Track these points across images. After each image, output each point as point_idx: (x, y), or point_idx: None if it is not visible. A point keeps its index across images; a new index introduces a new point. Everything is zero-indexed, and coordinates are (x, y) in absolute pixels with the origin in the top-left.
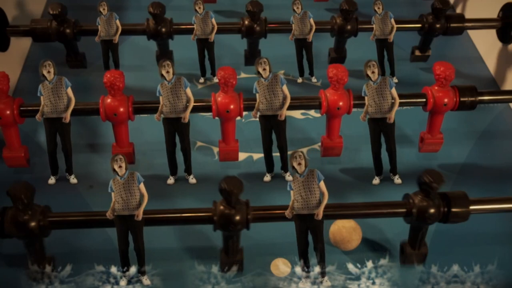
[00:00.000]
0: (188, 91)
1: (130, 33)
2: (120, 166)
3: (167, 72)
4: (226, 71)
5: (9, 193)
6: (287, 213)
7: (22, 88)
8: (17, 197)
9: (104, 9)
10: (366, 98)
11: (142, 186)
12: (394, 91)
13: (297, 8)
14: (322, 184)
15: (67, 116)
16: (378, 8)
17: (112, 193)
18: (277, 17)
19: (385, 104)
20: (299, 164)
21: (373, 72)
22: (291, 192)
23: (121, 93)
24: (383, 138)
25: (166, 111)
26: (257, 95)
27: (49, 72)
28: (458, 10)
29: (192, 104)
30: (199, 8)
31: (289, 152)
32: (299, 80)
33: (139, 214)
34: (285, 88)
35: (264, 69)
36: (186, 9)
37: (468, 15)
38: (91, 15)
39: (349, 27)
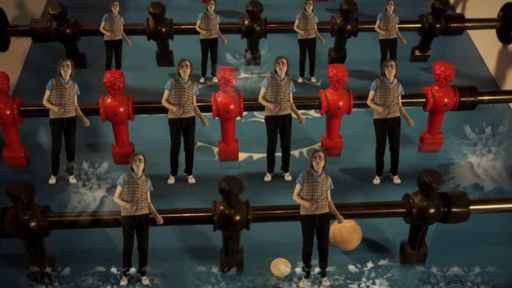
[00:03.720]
0: (194, 98)
1: (130, 33)
2: (138, 166)
3: (184, 72)
4: (226, 71)
5: (9, 193)
6: (310, 205)
7: (22, 88)
8: (17, 197)
9: (115, 9)
10: (371, 92)
11: (149, 194)
12: (400, 98)
13: (309, 8)
14: (329, 192)
15: (85, 120)
16: (390, 8)
17: (120, 187)
18: (277, 17)
19: (393, 107)
20: (318, 164)
21: (390, 72)
22: (298, 185)
23: (121, 93)
24: (388, 138)
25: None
26: (262, 89)
27: (66, 72)
28: (458, 10)
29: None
30: (211, 8)
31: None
32: (299, 80)
33: (160, 218)
34: (291, 95)
35: (281, 69)
36: (186, 9)
37: (468, 15)
38: (91, 15)
39: (349, 27)
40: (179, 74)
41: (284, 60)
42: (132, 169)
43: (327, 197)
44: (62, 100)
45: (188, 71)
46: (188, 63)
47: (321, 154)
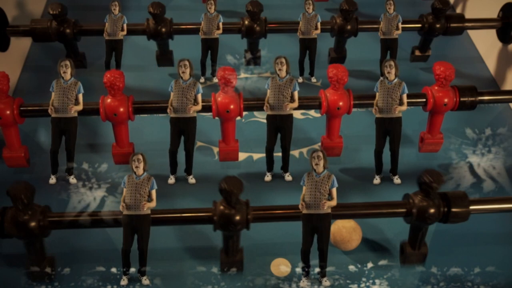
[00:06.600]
0: (199, 96)
1: (130, 33)
2: (137, 167)
3: (183, 72)
4: (226, 71)
5: (9, 193)
6: (301, 204)
7: (22, 88)
8: (17, 197)
9: (115, 9)
10: (377, 94)
11: (154, 192)
12: (405, 97)
13: (308, 8)
14: (334, 190)
15: (73, 109)
16: (390, 8)
17: (124, 189)
18: (277, 17)
19: (393, 106)
20: (317, 164)
21: (389, 73)
22: (304, 187)
23: (121, 93)
24: (388, 138)
25: (175, 108)
26: (268, 91)
27: (65, 72)
28: (458, 10)
29: (199, 107)
30: (210, 8)
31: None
32: (299, 80)
33: (144, 206)
34: (296, 94)
35: (280, 70)
36: (186, 9)
37: (468, 15)
38: (91, 15)
39: (349, 27)
40: (179, 74)
41: (283, 60)
42: (132, 169)
43: (327, 196)
44: (62, 100)
45: (188, 71)
46: (186, 62)
47: (320, 154)
